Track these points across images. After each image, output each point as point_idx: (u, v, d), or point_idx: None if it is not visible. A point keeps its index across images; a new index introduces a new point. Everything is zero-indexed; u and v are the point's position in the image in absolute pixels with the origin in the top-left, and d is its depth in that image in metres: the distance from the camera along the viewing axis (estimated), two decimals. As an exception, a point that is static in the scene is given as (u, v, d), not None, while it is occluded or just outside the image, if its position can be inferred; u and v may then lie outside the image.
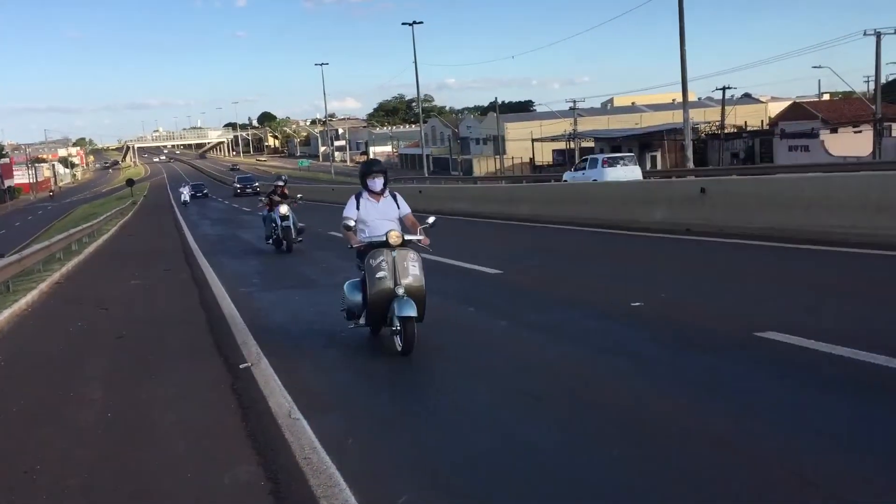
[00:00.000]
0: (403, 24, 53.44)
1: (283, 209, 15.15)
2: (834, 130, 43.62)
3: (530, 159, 61.67)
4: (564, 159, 56.11)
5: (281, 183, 16.10)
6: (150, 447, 4.61)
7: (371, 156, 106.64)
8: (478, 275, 9.95)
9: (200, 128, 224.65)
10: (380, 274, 5.86)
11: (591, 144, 58.07)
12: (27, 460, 4.53)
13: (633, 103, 73.30)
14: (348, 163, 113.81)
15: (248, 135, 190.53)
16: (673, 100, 63.35)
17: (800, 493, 3.21)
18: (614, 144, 55.45)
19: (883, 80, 44.28)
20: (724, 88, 50.69)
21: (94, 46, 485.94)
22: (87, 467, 4.37)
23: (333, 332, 7.15)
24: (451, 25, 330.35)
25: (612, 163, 26.82)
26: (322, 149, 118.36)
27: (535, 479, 3.57)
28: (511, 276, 9.76)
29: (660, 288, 7.99)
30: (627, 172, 25.41)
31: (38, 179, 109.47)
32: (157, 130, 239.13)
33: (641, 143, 53.28)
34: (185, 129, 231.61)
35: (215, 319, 8.54)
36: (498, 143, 62.44)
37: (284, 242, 15.16)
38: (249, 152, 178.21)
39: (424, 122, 72.62)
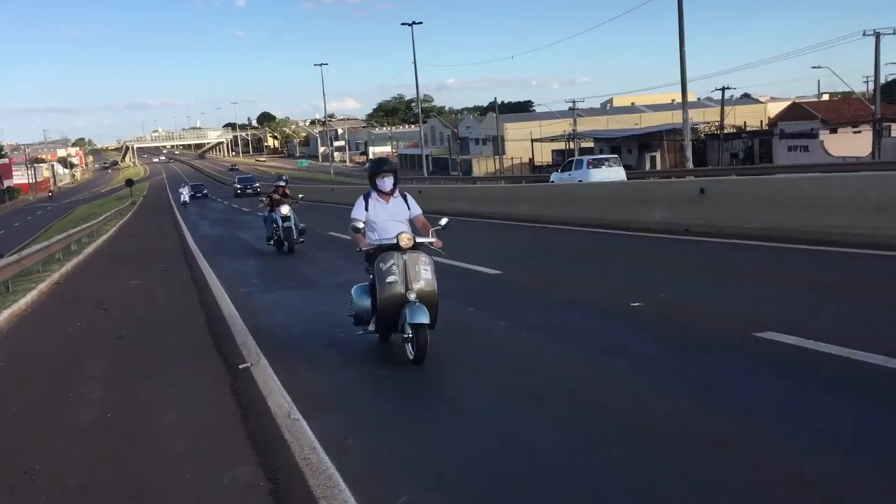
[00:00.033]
0: (403, 24, 53.42)
1: (285, 210, 14.96)
2: (833, 131, 43.66)
3: (530, 159, 61.67)
4: (564, 159, 56.09)
5: (282, 183, 15.90)
6: (149, 447, 4.61)
7: (371, 156, 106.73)
8: (477, 275, 9.94)
9: (200, 128, 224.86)
10: (390, 278, 5.63)
11: (591, 145, 58.10)
12: (27, 460, 4.53)
13: (632, 104, 73.35)
14: (348, 163, 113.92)
15: (247, 135, 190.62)
16: (672, 100, 63.44)
17: (799, 493, 3.21)
18: (614, 145, 55.49)
19: (882, 81, 44.35)
20: (723, 89, 50.85)
21: (93, 46, 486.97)
22: (86, 467, 4.37)
23: (333, 333, 7.15)
24: (451, 26, 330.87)
25: (596, 164, 27.75)
26: (321, 149, 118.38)
27: (535, 479, 3.57)
28: (510, 277, 9.76)
29: (659, 288, 7.99)
30: (612, 173, 26.32)
31: (38, 180, 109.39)
32: (157, 131, 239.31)
33: (641, 144, 53.35)
34: (184, 129, 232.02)
35: (215, 320, 8.54)
36: (497, 144, 62.44)
37: (286, 243, 14.98)
38: (249, 153, 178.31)
39: (424, 122, 72.61)
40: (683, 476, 3.45)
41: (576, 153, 51.59)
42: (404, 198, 6.31)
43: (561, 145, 58.34)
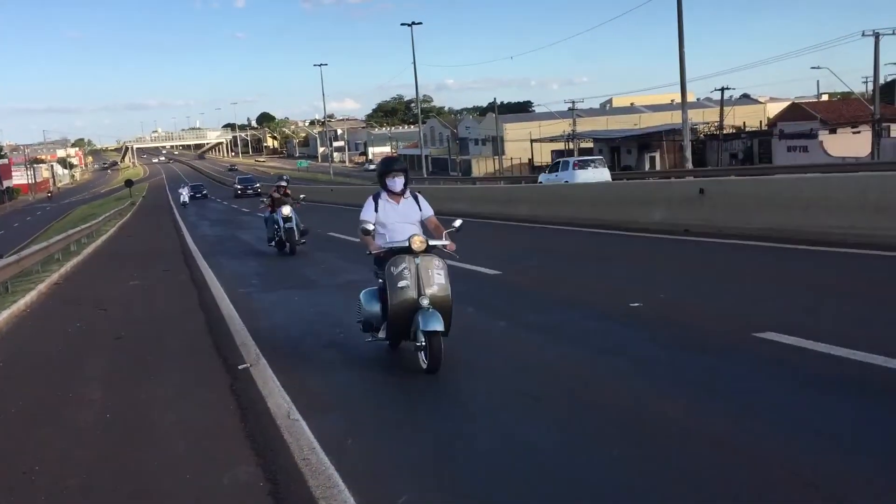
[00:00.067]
0: (402, 24, 53.42)
1: (286, 210, 14.79)
2: (832, 131, 43.68)
3: (529, 160, 61.68)
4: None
5: (284, 183, 15.74)
6: (149, 448, 4.60)
7: (370, 156, 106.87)
8: (476, 275, 9.94)
9: (199, 128, 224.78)
10: (402, 283, 5.38)
11: (590, 145, 58.10)
12: (26, 461, 4.52)
13: (631, 104, 73.40)
14: (347, 163, 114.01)
15: (246, 135, 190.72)
16: (672, 100, 63.47)
17: (799, 493, 3.21)
18: (613, 145, 55.56)
19: (881, 81, 44.38)
20: (722, 89, 50.83)
21: (93, 46, 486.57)
22: (86, 468, 4.37)
23: (332, 333, 7.15)
24: (451, 26, 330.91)
25: (582, 165, 28.83)
26: (321, 149, 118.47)
27: (535, 479, 3.57)
28: (510, 277, 9.76)
29: (659, 288, 7.99)
30: (597, 174, 27.53)
31: (37, 180, 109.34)
32: (156, 131, 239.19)
33: (640, 144, 53.36)
34: (183, 129, 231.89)
35: (214, 320, 8.54)
36: (497, 144, 62.45)
37: (287, 244, 14.79)
38: (248, 153, 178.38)
39: (423, 122, 72.62)
40: (683, 476, 3.45)
41: (575, 154, 51.59)
42: (415, 198, 6.03)
43: (560, 146, 58.32)
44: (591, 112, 69.01)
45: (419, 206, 6.01)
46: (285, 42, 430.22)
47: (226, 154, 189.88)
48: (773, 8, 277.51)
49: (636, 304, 7.12)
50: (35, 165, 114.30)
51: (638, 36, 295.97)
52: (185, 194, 49.00)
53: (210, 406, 5.32)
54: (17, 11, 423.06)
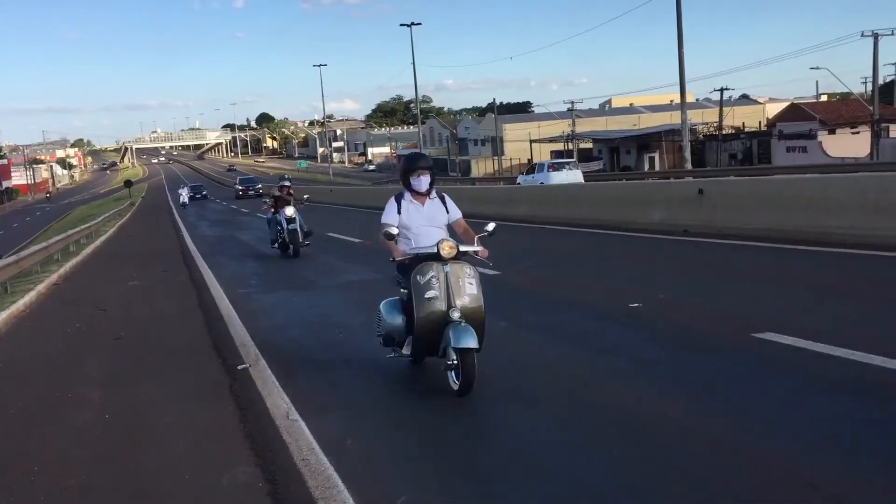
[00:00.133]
0: (402, 25, 53.59)
1: (290, 211, 14.37)
2: (832, 131, 43.72)
3: (528, 160, 61.69)
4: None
5: (287, 183, 15.39)
6: (148, 448, 4.60)
7: (369, 157, 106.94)
8: (476, 275, 9.93)
9: (199, 129, 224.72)
10: (430, 294, 4.85)
11: (590, 146, 58.14)
12: (26, 461, 4.52)
13: (631, 104, 73.51)
14: (346, 164, 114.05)
15: (246, 136, 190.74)
16: (671, 101, 63.49)
17: (799, 493, 3.21)
18: (612, 146, 55.59)
19: (880, 81, 44.40)
20: (721, 89, 50.94)
21: (92, 47, 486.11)
22: (85, 468, 4.36)
23: (332, 334, 7.15)
24: (450, 26, 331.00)
25: (557, 167, 31.34)
26: (320, 150, 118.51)
27: (535, 479, 3.57)
28: (509, 277, 9.75)
29: (658, 289, 7.99)
30: (570, 176, 30.04)
31: (36, 181, 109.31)
32: (156, 131, 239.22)
33: (639, 144, 53.40)
34: (183, 130, 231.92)
35: (213, 320, 8.54)
36: (496, 144, 62.49)
37: (291, 246, 14.37)
38: (248, 153, 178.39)
39: (422, 123, 72.64)
40: (683, 476, 3.45)
41: (574, 154, 51.66)
42: (442, 199, 5.46)
43: (560, 146, 58.38)
44: (590, 112, 69.08)
45: (446, 207, 5.45)
46: (285, 42, 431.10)
47: (225, 154, 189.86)
48: (773, 8, 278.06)
49: (636, 305, 7.12)
50: (34, 166, 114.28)
51: (637, 36, 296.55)
52: (184, 195, 48.92)
53: (209, 406, 5.32)
54: (17, 11, 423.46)
